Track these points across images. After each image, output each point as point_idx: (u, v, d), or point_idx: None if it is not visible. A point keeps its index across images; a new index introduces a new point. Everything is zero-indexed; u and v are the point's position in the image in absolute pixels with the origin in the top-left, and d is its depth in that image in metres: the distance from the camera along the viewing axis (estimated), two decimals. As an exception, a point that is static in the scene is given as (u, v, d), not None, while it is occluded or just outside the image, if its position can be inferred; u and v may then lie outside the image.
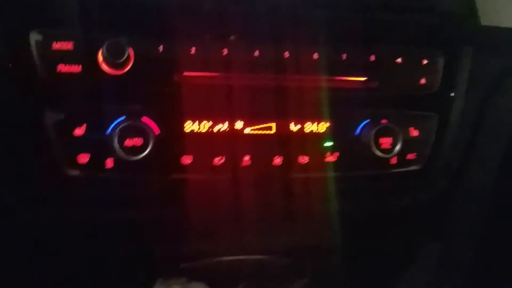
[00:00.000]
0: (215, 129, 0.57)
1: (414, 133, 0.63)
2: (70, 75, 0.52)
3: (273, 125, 0.59)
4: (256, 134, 0.58)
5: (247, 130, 0.58)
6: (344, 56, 0.60)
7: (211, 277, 0.68)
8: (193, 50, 0.56)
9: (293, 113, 0.59)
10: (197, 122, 0.57)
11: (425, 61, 0.64)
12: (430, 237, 0.74)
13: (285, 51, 0.58)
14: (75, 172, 0.52)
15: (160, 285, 0.67)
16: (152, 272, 0.68)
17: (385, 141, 0.60)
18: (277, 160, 0.59)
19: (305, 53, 0.59)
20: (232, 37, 0.57)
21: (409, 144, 0.62)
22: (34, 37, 0.52)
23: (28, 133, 0.52)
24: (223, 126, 0.57)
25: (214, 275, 0.68)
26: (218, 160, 0.57)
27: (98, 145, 0.52)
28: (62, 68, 0.52)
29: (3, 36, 0.52)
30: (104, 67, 0.52)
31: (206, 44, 0.56)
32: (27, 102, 0.52)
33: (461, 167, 0.69)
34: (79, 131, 0.52)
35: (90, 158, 0.52)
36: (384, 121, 0.61)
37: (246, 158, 0.58)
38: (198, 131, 0.56)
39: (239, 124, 0.58)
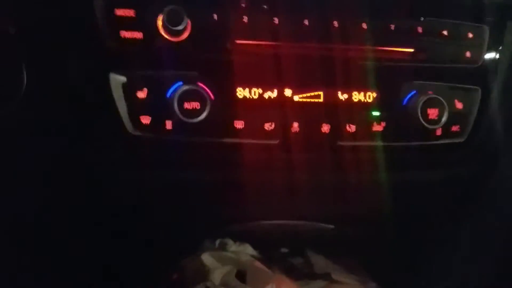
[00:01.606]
0: (266, 96, 0.59)
1: (459, 105, 0.64)
2: (132, 41, 0.54)
3: (321, 93, 0.60)
4: (305, 102, 0.60)
5: (296, 98, 0.60)
6: (392, 27, 0.61)
7: (256, 240, 0.70)
8: (245, 18, 0.58)
9: (341, 82, 0.61)
10: (248, 89, 0.59)
11: (470, 35, 0.65)
12: (469, 211, 0.75)
13: (334, 21, 0.60)
14: (138, 132, 0.55)
15: (205, 245, 0.70)
16: (199, 233, 0.70)
17: (432, 112, 0.61)
18: (325, 128, 0.60)
19: (353, 23, 0.60)
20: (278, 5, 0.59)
21: (454, 116, 0.63)
22: (98, 3, 0.54)
23: (94, 96, 0.55)
24: (273, 94, 0.59)
25: (259, 238, 0.70)
26: (268, 126, 0.59)
27: (159, 107, 0.55)
28: (125, 34, 0.54)
29: (69, 5, 0.54)
30: (164, 34, 0.55)
31: (257, 13, 0.58)
32: (93, 67, 0.55)
33: (503, 141, 0.70)
34: (141, 94, 0.55)
35: (151, 120, 0.55)
36: (430, 92, 0.62)
37: (295, 125, 0.59)
38: (250, 97, 0.58)
39: (288, 92, 0.60)
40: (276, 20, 0.59)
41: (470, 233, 0.75)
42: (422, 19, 0.63)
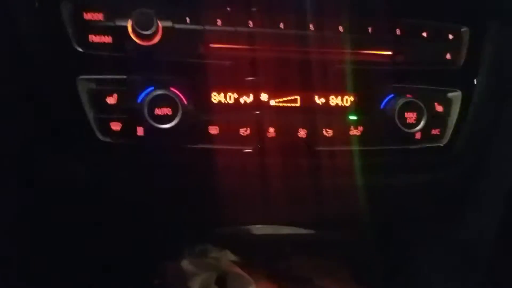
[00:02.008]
0: (241, 101, 0.58)
1: (439, 108, 0.63)
2: (101, 45, 0.53)
3: (298, 97, 0.60)
4: (281, 106, 0.59)
5: (272, 102, 0.59)
6: (370, 29, 0.61)
7: (235, 245, 0.70)
8: (219, 22, 0.57)
9: (318, 86, 0.60)
10: (222, 94, 0.57)
11: (450, 36, 0.64)
12: (451, 214, 0.74)
13: (310, 24, 0.59)
14: (108, 139, 0.54)
15: (186, 251, 0.69)
16: (179, 238, 0.69)
17: (410, 116, 0.60)
18: (302, 133, 0.59)
19: (330, 26, 0.59)
20: (254, 9, 0.58)
21: (434, 119, 0.62)
22: (66, 6, 0.53)
23: (64, 101, 0.53)
24: (249, 98, 0.58)
25: (237, 244, 0.70)
26: (243, 131, 0.58)
27: (130, 113, 0.53)
28: (93, 38, 0.53)
29: (36, 6, 0.53)
30: (134, 38, 0.53)
31: (231, 16, 0.57)
32: (62, 71, 0.53)
33: (484, 144, 0.69)
34: (111, 100, 0.53)
35: (122, 126, 0.54)
36: (409, 95, 0.61)
37: (271, 130, 0.59)
38: (224, 102, 0.57)
39: (264, 96, 0.59)
40: (251, 23, 0.58)
41: (452, 236, 0.74)
42: (400, 20, 0.61)
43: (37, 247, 0.64)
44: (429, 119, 0.61)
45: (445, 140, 0.64)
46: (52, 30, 0.53)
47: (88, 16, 0.53)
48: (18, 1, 0.53)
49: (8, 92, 0.54)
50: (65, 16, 0.53)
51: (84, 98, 0.53)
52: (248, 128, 0.58)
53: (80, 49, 0.53)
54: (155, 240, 0.69)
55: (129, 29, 0.53)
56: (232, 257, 0.71)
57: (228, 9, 0.57)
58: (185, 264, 0.69)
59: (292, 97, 0.59)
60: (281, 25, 0.58)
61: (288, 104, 0.59)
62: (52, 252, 0.66)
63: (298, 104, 0.59)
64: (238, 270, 0.68)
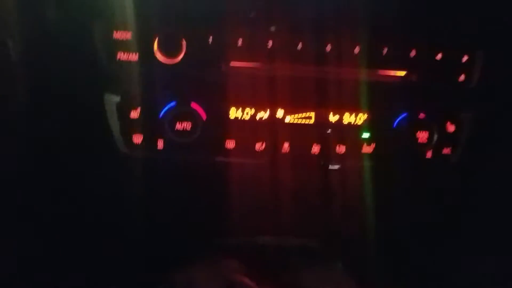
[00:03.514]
0: (257, 117, 0.61)
1: (450, 128, 0.65)
2: (128, 62, 0.56)
3: (312, 114, 0.62)
4: (296, 123, 0.61)
5: (288, 119, 0.61)
6: (385, 50, 0.62)
7: (244, 256, 0.72)
8: (240, 41, 0.59)
9: (333, 103, 0.62)
10: (240, 110, 0.60)
11: (465, 58, 0.65)
12: (461, 231, 0.75)
13: (327, 44, 0.61)
14: (129, 151, 0.57)
15: (196, 260, 0.71)
16: (189, 248, 0.72)
17: (422, 135, 0.62)
18: (315, 149, 0.62)
19: (346, 46, 0.61)
20: (272, 29, 0.60)
21: (445, 139, 0.63)
22: (97, 25, 0.56)
23: (89, 114, 0.57)
24: (265, 114, 0.61)
25: (247, 255, 0.72)
26: (259, 146, 0.60)
27: (151, 127, 0.56)
28: (121, 55, 0.56)
29: (67, 25, 0.57)
30: (159, 56, 0.56)
31: (252, 35, 0.60)
32: (90, 86, 0.57)
33: (496, 164, 0.70)
34: (134, 114, 0.57)
35: (143, 139, 0.57)
36: (421, 115, 0.62)
37: (286, 145, 0.61)
38: (242, 118, 0.60)
39: (280, 113, 0.61)
40: (270, 43, 0.60)
41: (462, 252, 0.75)
42: (415, 41, 0.63)
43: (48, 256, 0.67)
44: (441, 138, 0.62)
45: (455, 159, 0.65)
46: (82, 48, 0.56)
47: (117, 35, 0.56)
48: (51, 18, 0.57)
49: (38, 102, 0.57)
50: (95, 35, 0.56)
51: (109, 112, 0.57)
52: (264, 143, 0.60)
53: (108, 66, 0.56)
54: (165, 249, 0.71)
55: (155, 47, 0.56)
56: (240, 267, 0.72)
57: (249, 28, 0.59)
58: (194, 273, 0.70)
59: (307, 114, 0.62)
60: (299, 45, 0.60)
61: (303, 121, 0.61)
62: (63, 261, 0.68)
63: (312, 121, 0.62)
64: (246, 280, 0.70)
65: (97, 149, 0.58)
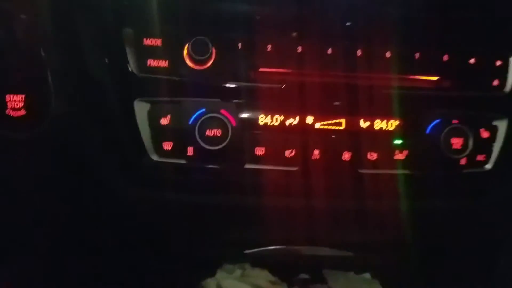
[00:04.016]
0: (287, 123, 0.60)
1: (485, 134, 0.63)
2: (158, 69, 0.56)
3: (343, 121, 0.61)
4: (326, 129, 0.60)
5: (317, 125, 0.60)
6: (417, 55, 0.61)
7: (274, 265, 0.71)
8: (269, 47, 0.59)
9: (363, 110, 0.61)
10: (270, 116, 0.59)
11: (498, 62, 0.63)
12: (497, 240, 0.73)
13: (358, 49, 0.60)
14: (160, 158, 0.57)
15: (224, 269, 0.70)
16: (218, 256, 0.71)
17: (456, 142, 0.60)
18: (346, 156, 0.60)
19: (378, 51, 0.60)
20: (302, 34, 0.59)
21: (480, 145, 0.62)
22: (127, 32, 0.56)
23: (119, 122, 0.57)
24: (295, 121, 0.60)
25: (277, 264, 0.71)
26: (289, 153, 0.59)
27: (181, 134, 0.56)
28: (151, 62, 0.56)
29: (99, 33, 0.57)
30: (189, 62, 0.56)
31: (281, 41, 0.59)
32: (120, 93, 0.57)
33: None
34: (164, 121, 0.56)
35: (173, 146, 0.56)
36: (455, 121, 0.61)
37: (316, 152, 0.60)
38: (271, 124, 0.59)
39: (309, 119, 0.60)
40: (300, 49, 0.59)
41: (495, 263, 0.73)
42: (448, 46, 0.62)
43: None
44: (475, 145, 0.60)
45: (490, 166, 0.63)
46: (113, 55, 0.56)
47: (147, 41, 0.56)
48: (82, 26, 0.57)
49: (69, 110, 0.58)
50: (126, 42, 0.56)
51: (140, 119, 0.56)
52: (294, 150, 0.59)
53: (138, 73, 0.56)
54: (196, 257, 0.71)
55: (185, 54, 0.56)
56: (270, 277, 0.71)
57: (278, 34, 0.59)
58: (224, 280, 0.70)
59: (337, 120, 0.61)
60: (329, 50, 0.60)
61: (333, 127, 0.60)
62: (88, 268, 0.68)
63: (343, 127, 0.60)
64: (277, 289, 0.69)
65: (127, 157, 0.58)
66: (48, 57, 0.53)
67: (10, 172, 0.57)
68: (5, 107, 0.52)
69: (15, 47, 0.53)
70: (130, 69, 0.56)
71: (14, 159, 0.56)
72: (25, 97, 0.53)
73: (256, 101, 0.59)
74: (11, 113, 0.52)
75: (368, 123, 0.61)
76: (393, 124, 0.61)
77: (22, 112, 0.52)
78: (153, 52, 0.56)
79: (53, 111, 0.53)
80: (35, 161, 0.57)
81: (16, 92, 0.52)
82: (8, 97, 0.52)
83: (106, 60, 0.57)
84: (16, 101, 0.53)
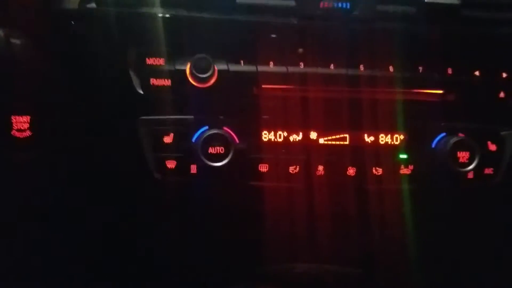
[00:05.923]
0: (291, 139, 0.59)
1: (492, 147, 0.62)
2: (161, 87, 0.57)
3: (347, 136, 0.60)
4: (330, 145, 0.60)
5: (321, 141, 0.60)
6: (421, 69, 0.61)
7: (283, 283, 0.70)
8: (271, 64, 0.59)
9: (367, 124, 0.60)
10: (273, 132, 0.59)
11: (504, 74, 0.63)
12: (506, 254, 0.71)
13: (360, 64, 0.60)
14: (163, 176, 0.57)
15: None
16: (226, 275, 0.71)
17: (462, 155, 0.59)
18: (351, 171, 0.60)
19: (380, 66, 0.60)
20: (300, 50, 0.59)
21: (487, 158, 0.61)
22: (131, 52, 0.57)
23: (123, 140, 0.57)
24: (298, 136, 0.60)
25: (286, 281, 0.70)
26: (293, 169, 0.59)
27: (184, 152, 0.56)
28: (154, 81, 0.57)
29: (103, 53, 0.57)
30: (191, 80, 0.56)
31: (283, 58, 0.59)
32: (124, 111, 0.57)
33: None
34: (167, 139, 0.57)
35: (176, 164, 0.56)
36: (461, 134, 0.60)
37: (320, 167, 0.59)
38: (275, 140, 0.59)
39: (313, 135, 0.60)
40: (302, 64, 0.59)
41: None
42: (452, 59, 0.61)
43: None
44: (482, 158, 0.60)
45: (498, 180, 0.62)
46: (117, 74, 0.57)
47: (150, 61, 0.56)
48: (88, 47, 0.58)
49: (71, 129, 0.58)
50: (129, 61, 0.57)
51: (143, 137, 0.57)
52: (297, 166, 0.59)
53: (141, 92, 0.57)
54: (203, 275, 0.70)
55: (187, 72, 0.56)
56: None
57: (280, 51, 0.59)
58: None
59: (341, 135, 0.60)
60: (332, 66, 0.60)
61: (337, 142, 0.60)
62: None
63: (347, 142, 0.60)
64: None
65: (130, 175, 0.58)
66: (53, 78, 0.54)
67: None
68: (11, 128, 0.53)
69: (21, 68, 0.54)
70: (133, 88, 0.57)
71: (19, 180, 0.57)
72: (30, 118, 0.53)
73: (259, 118, 0.59)
74: (17, 134, 0.53)
75: (372, 138, 0.61)
76: (398, 139, 0.61)
77: (28, 133, 0.53)
78: (156, 71, 0.57)
79: (58, 132, 0.53)
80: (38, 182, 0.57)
81: (21, 113, 0.53)
82: (14, 118, 0.53)
83: (110, 80, 0.58)
84: (21, 122, 0.53)
